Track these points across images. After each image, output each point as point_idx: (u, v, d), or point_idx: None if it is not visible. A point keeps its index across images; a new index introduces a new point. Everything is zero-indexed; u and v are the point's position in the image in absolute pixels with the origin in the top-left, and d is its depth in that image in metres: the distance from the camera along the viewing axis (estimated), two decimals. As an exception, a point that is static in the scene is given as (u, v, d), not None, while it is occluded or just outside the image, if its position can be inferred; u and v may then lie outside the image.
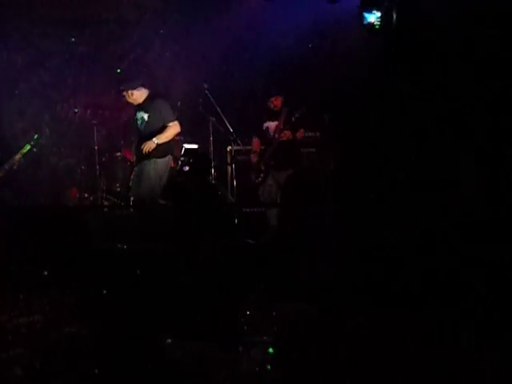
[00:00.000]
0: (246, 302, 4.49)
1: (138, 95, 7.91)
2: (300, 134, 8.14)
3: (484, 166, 7.16)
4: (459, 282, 4.86)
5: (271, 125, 8.35)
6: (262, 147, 8.43)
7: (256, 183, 8.37)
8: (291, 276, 5.07)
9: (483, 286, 4.77)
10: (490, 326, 4.18)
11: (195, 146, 9.35)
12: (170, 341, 4.17)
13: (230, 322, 4.35)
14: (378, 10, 8.08)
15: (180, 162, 8.81)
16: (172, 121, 7.87)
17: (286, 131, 8.10)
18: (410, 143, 8.02)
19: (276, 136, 8.21)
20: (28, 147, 8.79)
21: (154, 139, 7.68)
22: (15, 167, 8.69)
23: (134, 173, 7.96)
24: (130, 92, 7.85)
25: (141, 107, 7.88)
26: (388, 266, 5.21)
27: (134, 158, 8.16)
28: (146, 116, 7.82)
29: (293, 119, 8.05)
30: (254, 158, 8.46)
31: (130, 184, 7.96)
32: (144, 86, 7.96)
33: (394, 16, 7.94)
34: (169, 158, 8.00)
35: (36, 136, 8.98)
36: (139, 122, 7.86)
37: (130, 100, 7.91)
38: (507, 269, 4.91)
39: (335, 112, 8.09)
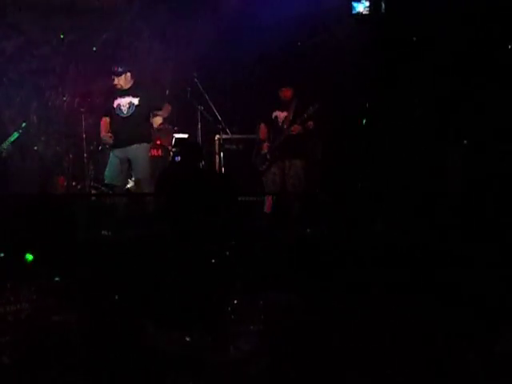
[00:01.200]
0: (233, 291, 4.51)
1: (128, 79, 7.93)
2: (310, 125, 8.12)
3: (471, 161, 7.19)
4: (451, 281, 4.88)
5: (280, 114, 8.37)
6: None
7: (260, 171, 8.39)
8: (278, 266, 5.08)
9: (477, 285, 4.79)
10: (489, 325, 4.20)
11: (185, 136, 9.33)
12: (157, 329, 4.18)
13: (217, 311, 4.37)
14: (366, -1, 8.10)
15: (171, 153, 8.79)
16: (165, 102, 8.05)
17: (296, 125, 8.09)
18: (398, 135, 8.05)
19: (285, 127, 8.22)
20: (16, 135, 8.78)
21: (159, 113, 7.95)
22: (3, 155, 8.68)
23: (116, 159, 7.91)
24: (128, 74, 7.88)
25: (126, 92, 7.87)
26: (378, 258, 5.24)
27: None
28: (135, 100, 7.84)
29: (305, 116, 8.05)
30: (263, 146, 8.47)
31: (113, 169, 7.92)
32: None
33: (383, 5, 7.96)
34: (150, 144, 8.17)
35: (24, 124, 8.96)
36: (125, 108, 7.85)
37: (121, 83, 7.88)
38: (497, 267, 4.94)
39: (323, 102, 8.07)
